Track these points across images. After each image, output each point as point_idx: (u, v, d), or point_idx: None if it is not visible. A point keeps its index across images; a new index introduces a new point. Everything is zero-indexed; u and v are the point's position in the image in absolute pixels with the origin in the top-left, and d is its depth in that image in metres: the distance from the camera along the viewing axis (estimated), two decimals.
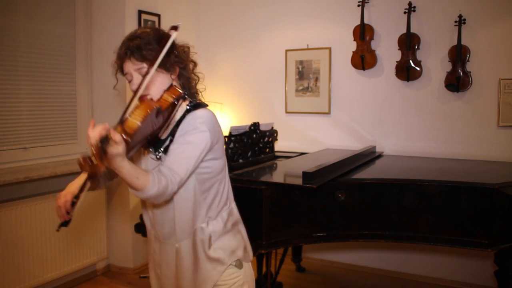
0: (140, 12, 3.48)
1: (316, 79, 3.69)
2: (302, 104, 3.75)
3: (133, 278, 3.46)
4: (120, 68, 1.42)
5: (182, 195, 1.42)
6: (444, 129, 3.28)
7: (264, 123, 3.16)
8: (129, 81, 1.38)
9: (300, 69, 3.75)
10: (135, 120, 1.22)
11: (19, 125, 3.00)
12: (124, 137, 1.17)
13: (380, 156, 3.28)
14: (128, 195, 3.48)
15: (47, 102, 3.20)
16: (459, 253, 3.25)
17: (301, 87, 3.76)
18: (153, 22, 3.61)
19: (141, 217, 2.87)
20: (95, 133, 1.14)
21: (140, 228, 2.88)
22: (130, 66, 1.37)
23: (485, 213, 2.26)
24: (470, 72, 3.15)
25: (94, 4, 3.46)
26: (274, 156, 3.26)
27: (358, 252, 3.63)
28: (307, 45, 3.73)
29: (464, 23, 3.12)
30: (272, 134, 3.26)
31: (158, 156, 1.41)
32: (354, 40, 3.49)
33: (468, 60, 3.14)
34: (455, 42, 3.14)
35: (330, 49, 3.63)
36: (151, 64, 1.31)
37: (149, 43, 1.36)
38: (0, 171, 2.79)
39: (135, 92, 1.31)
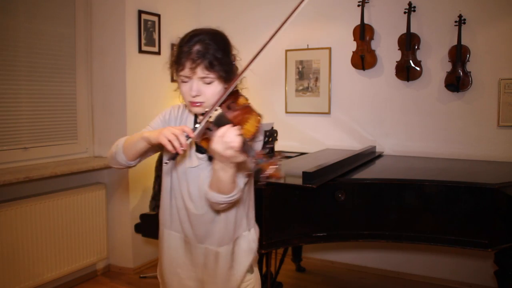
0: (140, 12, 3.48)
1: (316, 79, 3.69)
2: (302, 104, 3.75)
3: (133, 278, 3.46)
4: (178, 62, 1.32)
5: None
6: (444, 129, 3.28)
7: (264, 123, 3.16)
8: (184, 82, 1.33)
9: (300, 69, 3.75)
10: (251, 129, 1.25)
11: (19, 125, 3.00)
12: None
13: (380, 156, 3.28)
14: (128, 195, 3.48)
15: (47, 102, 3.20)
16: (459, 253, 3.25)
17: (301, 87, 3.76)
18: (153, 22, 3.61)
19: (141, 217, 2.88)
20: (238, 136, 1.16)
21: (140, 228, 2.88)
22: (198, 71, 1.29)
23: (485, 213, 2.26)
24: (470, 72, 3.15)
25: (94, 4, 3.46)
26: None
27: (358, 252, 3.63)
28: (307, 45, 3.73)
29: (464, 23, 3.12)
30: (272, 134, 3.26)
31: (208, 158, 1.40)
32: (354, 40, 3.49)
33: (468, 60, 3.14)
34: (455, 42, 3.14)
35: (330, 49, 3.63)
36: (219, 77, 1.31)
37: (222, 53, 1.33)
38: (0, 171, 2.79)
39: (215, 104, 1.28)
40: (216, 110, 1.27)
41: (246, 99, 1.37)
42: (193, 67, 1.28)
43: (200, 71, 1.29)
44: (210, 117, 1.26)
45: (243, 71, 1.32)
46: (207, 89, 1.31)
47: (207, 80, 1.31)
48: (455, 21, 3.14)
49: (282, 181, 2.31)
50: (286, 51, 3.77)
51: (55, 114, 3.25)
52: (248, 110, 1.28)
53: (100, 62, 3.49)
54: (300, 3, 1.28)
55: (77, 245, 3.22)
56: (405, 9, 3.27)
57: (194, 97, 1.31)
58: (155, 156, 3.45)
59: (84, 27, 3.43)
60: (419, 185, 2.35)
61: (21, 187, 2.89)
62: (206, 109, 1.30)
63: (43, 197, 2.97)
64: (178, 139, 1.21)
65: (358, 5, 3.44)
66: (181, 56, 1.30)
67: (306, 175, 2.21)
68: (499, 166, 2.85)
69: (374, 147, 3.38)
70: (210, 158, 1.38)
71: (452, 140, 3.26)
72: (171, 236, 1.55)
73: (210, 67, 1.29)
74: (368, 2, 3.44)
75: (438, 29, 3.25)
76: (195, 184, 1.43)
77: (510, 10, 3.05)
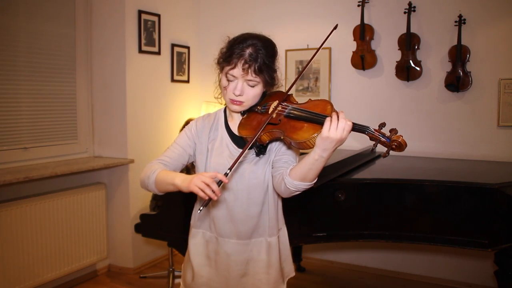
0: (140, 12, 3.48)
1: (316, 79, 3.69)
2: None
3: (133, 278, 3.46)
4: (229, 61, 1.39)
5: (274, 191, 1.51)
6: (444, 129, 3.28)
7: None
8: (230, 81, 1.41)
9: (300, 69, 3.75)
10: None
11: (19, 125, 3.00)
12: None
13: (380, 156, 3.28)
14: (128, 195, 3.48)
15: (47, 102, 3.20)
16: (459, 253, 3.25)
17: (301, 87, 3.76)
18: (153, 22, 3.61)
19: (141, 217, 2.88)
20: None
21: (140, 228, 2.88)
22: (242, 73, 1.38)
23: (485, 213, 2.26)
24: (470, 72, 3.15)
25: (94, 4, 3.46)
26: None
27: (358, 252, 3.63)
28: (307, 45, 3.73)
29: (464, 23, 3.12)
30: None
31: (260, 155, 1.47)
32: (354, 40, 3.49)
33: (468, 60, 3.14)
34: (455, 42, 3.14)
35: (330, 49, 3.63)
36: (264, 82, 1.41)
37: (270, 61, 1.41)
38: (0, 171, 2.79)
39: (272, 113, 1.38)
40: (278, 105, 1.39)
41: (295, 99, 1.49)
42: (245, 68, 1.36)
43: (249, 74, 1.37)
44: (276, 111, 1.37)
45: (289, 89, 1.42)
46: (250, 91, 1.41)
47: (252, 83, 1.40)
48: (455, 21, 3.14)
49: None
50: (286, 51, 3.77)
51: (55, 114, 3.25)
52: (325, 102, 1.36)
53: (100, 62, 3.49)
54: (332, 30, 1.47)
55: (77, 245, 3.22)
56: (405, 9, 3.27)
57: (237, 96, 1.40)
58: (158, 155, 3.45)
59: (84, 27, 3.43)
60: (419, 185, 2.35)
61: (21, 187, 2.89)
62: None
63: (43, 197, 2.97)
64: (209, 187, 1.23)
65: (358, 5, 3.44)
66: (232, 56, 1.38)
67: None
68: (499, 166, 2.85)
69: None
70: (259, 153, 1.45)
71: (452, 140, 3.26)
72: (205, 236, 1.57)
73: (258, 71, 1.37)
74: (368, 2, 3.44)
75: (438, 29, 3.25)
76: (240, 181, 1.46)
77: (510, 10, 3.05)
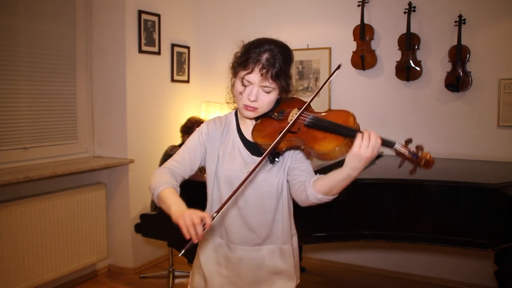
0: (140, 12, 3.48)
1: (316, 79, 3.69)
2: None
3: (133, 278, 3.46)
4: (245, 66, 1.36)
5: (287, 198, 1.50)
6: (444, 129, 3.28)
7: None
8: (245, 86, 1.37)
9: (300, 69, 3.75)
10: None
11: (19, 125, 3.00)
12: None
13: (380, 156, 3.28)
14: (128, 195, 3.48)
15: (47, 102, 3.20)
16: (459, 253, 3.25)
17: (301, 87, 3.76)
18: (153, 22, 3.61)
19: (141, 217, 2.88)
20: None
21: (140, 228, 2.88)
22: (259, 79, 1.35)
23: (485, 213, 2.26)
24: (470, 72, 3.15)
25: (94, 4, 3.46)
26: None
27: (358, 252, 3.63)
28: (307, 45, 3.73)
29: (464, 23, 3.12)
30: None
31: (274, 162, 1.45)
32: (354, 40, 3.49)
33: (468, 60, 3.14)
34: (455, 42, 3.14)
35: (330, 49, 3.63)
36: (280, 88, 1.39)
37: (286, 67, 1.40)
38: (0, 171, 2.78)
39: (291, 123, 1.34)
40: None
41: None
42: (262, 73, 1.33)
43: (266, 80, 1.34)
44: (299, 119, 1.34)
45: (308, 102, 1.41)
46: (265, 97, 1.38)
47: (267, 89, 1.37)
48: (455, 21, 3.14)
49: None
50: None
51: (55, 114, 3.25)
52: (347, 112, 1.34)
53: (100, 62, 3.49)
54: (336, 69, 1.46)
55: (77, 245, 3.22)
56: (405, 9, 3.27)
57: (252, 102, 1.36)
58: (158, 155, 3.45)
59: (84, 27, 3.43)
60: (419, 185, 2.35)
61: (21, 187, 2.89)
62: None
63: (43, 197, 2.97)
64: (194, 227, 1.17)
65: (358, 5, 3.44)
66: (249, 60, 1.35)
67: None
68: (499, 166, 2.85)
69: None
70: (273, 160, 1.43)
71: (452, 140, 3.26)
72: (215, 242, 1.54)
73: (275, 78, 1.35)
74: (368, 2, 3.44)
75: (438, 29, 3.24)
76: (252, 188, 1.44)
77: (510, 10, 3.05)
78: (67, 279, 3.23)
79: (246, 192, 1.44)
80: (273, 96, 1.39)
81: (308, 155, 1.40)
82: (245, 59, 1.36)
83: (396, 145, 1.22)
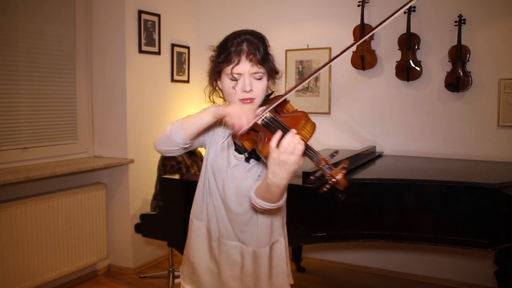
0: (140, 12, 3.48)
1: (316, 79, 3.69)
2: (302, 104, 3.75)
3: (133, 278, 3.46)
4: (229, 60, 1.34)
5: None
6: (444, 129, 3.28)
7: None
8: (233, 80, 1.34)
9: (300, 69, 3.75)
10: (307, 135, 1.19)
11: (19, 125, 3.00)
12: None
13: (380, 156, 3.28)
14: (128, 195, 3.48)
15: (47, 102, 3.20)
16: (459, 253, 3.25)
17: (301, 87, 3.76)
18: (153, 22, 3.61)
19: (141, 217, 2.88)
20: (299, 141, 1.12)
21: (140, 228, 2.88)
22: (251, 67, 1.33)
23: (485, 213, 2.26)
24: (470, 72, 3.15)
25: (94, 4, 3.46)
26: None
27: (358, 252, 3.63)
28: (307, 45, 3.73)
29: (464, 23, 3.12)
30: None
31: (249, 160, 1.42)
32: (354, 40, 3.49)
33: (468, 60, 3.14)
34: (455, 42, 3.14)
35: (330, 49, 3.63)
36: (268, 72, 1.37)
37: (268, 49, 1.39)
38: (0, 171, 2.79)
39: (279, 101, 1.29)
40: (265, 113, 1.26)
41: (293, 106, 1.39)
42: (250, 58, 1.31)
43: (254, 66, 1.33)
44: (259, 118, 1.25)
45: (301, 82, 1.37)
46: (258, 85, 1.35)
47: (258, 75, 1.35)
48: (455, 21, 3.14)
49: None
50: (286, 51, 3.77)
51: (55, 114, 3.25)
52: (302, 115, 1.24)
53: (100, 62, 3.49)
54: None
55: (77, 245, 3.22)
56: (405, 9, 3.27)
57: (248, 92, 1.33)
58: (158, 155, 3.45)
59: (84, 27, 3.43)
60: (419, 185, 2.35)
61: (21, 187, 2.89)
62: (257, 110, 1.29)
63: (43, 197, 2.97)
64: (247, 115, 1.19)
65: (358, 5, 3.44)
66: (231, 54, 1.33)
67: (306, 175, 2.21)
68: (499, 166, 2.85)
69: (374, 147, 3.38)
70: (248, 159, 1.40)
71: (452, 140, 3.26)
72: (200, 227, 1.53)
73: (262, 62, 1.34)
74: (368, 2, 3.44)
75: (438, 29, 3.25)
76: (231, 184, 1.42)
77: (510, 10, 3.05)
78: (67, 279, 3.23)
79: (227, 189, 1.43)
80: (264, 82, 1.37)
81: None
82: (226, 54, 1.35)
83: (315, 157, 1.13)
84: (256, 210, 1.37)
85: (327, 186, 1.14)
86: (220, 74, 1.40)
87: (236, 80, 1.34)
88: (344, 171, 1.11)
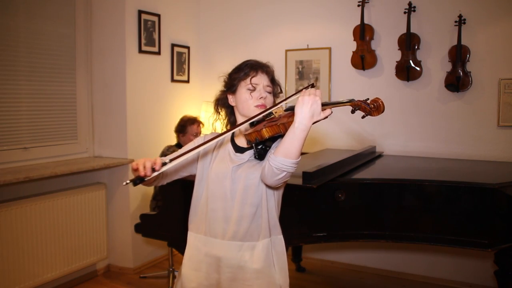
0: (140, 12, 3.48)
1: (316, 79, 3.69)
2: None
3: (133, 278, 3.46)
4: (247, 73, 1.56)
5: (272, 194, 1.54)
6: (444, 129, 3.28)
7: None
8: (250, 90, 1.55)
9: (300, 69, 3.75)
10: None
11: (19, 125, 3.00)
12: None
13: (380, 156, 3.28)
14: (128, 195, 3.48)
15: (47, 102, 3.20)
16: (459, 253, 3.25)
17: (301, 87, 3.75)
18: (153, 22, 3.61)
19: (141, 217, 2.88)
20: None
21: (140, 228, 2.88)
22: (265, 80, 1.57)
23: (485, 213, 2.26)
24: (470, 72, 3.15)
25: (94, 4, 3.46)
26: None
27: (358, 252, 3.63)
28: (307, 45, 3.73)
29: (464, 23, 3.12)
30: None
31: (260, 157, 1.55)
32: (354, 40, 3.49)
33: (468, 60, 3.14)
34: (455, 42, 3.14)
35: (330, 49, 3.63)
36: (274, 92, 1.62)
37: (274, 72, 1.65)
38: (0, 171, 2.79)
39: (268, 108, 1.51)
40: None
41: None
42: (267, 71, 1.57)
43: (268, 80, 1.57)
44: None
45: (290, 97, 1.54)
46: (269, 97, 1.59)
47: (269, 89, 1.58)
48: (455, 21, 3.14)
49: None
50: (286, 51, 3.77)
51: (55, 114, 3.25)
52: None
53: (100, 62, 3.49)
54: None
55: (77, 245, 3.22)
56: (405, 9, 3.27)
57: (264, 99, 1.55)
58: (157, 155, 3.45)
59: (84, 27, 3.43)
60: (419, 185, 2.35)
61: (21, 187, 2.89)
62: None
63: (43, 197, 2.97)
64: (144, 164, 1.32)
65: (358, 5, 3.44)
66: (249, 69, 1.56)
67: (306, 175, 2.21)
68: (499, 166, 2.85)
69: (374, 147, 3.38)
70: (256, 150, 1.51)
71: (452, 140, 3.26)
72: (197, 238, 1.60)
73: (273, 81, 1.60)
74: (368, 2, 3.44)
75: (438, 29, 3.25)
76: (239, 182, 1.51)
77: (510, 10, 3.05)
78: (67, 279, 3.23)
79: (230, 184, 1.52)
80: (272, 98, 1.59)
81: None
82: (245, 71, 1.56)
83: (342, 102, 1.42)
84: (270, 177, 1.40)
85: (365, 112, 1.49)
86: (235, 89, 1.58)
87: (253, 89, 1.55)
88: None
